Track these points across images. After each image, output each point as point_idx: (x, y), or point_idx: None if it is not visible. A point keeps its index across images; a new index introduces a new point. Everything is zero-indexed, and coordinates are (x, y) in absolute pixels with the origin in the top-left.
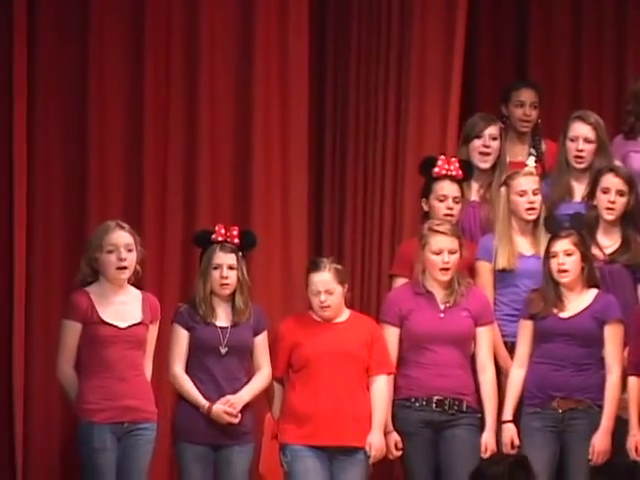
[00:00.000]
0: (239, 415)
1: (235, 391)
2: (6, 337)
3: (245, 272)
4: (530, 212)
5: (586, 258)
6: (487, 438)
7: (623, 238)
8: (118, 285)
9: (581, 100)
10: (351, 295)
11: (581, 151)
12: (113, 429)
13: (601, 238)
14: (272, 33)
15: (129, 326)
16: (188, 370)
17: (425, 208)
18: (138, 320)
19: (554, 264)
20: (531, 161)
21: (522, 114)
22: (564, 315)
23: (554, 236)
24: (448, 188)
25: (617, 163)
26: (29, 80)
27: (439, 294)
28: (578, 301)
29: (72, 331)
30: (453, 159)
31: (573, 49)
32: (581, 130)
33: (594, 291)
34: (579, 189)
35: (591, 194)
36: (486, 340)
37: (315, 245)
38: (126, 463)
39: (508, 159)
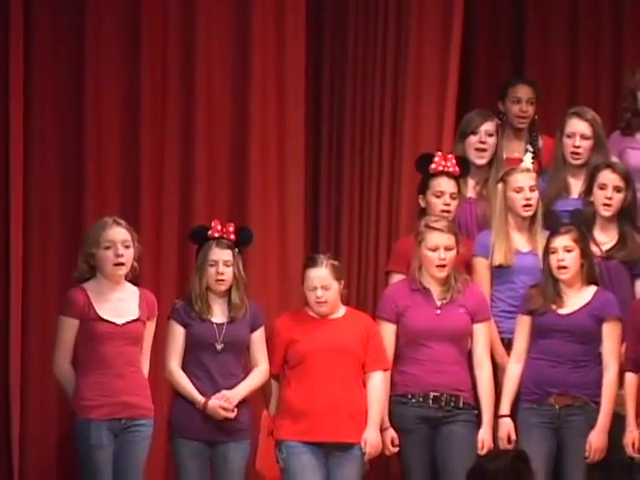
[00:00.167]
0: (235, 410)
1: (231, 387)
2: (3, 334)
3: (241, 268)
4: (527, 208)
5: (586, 254)
6: (484, 434)
7: (620, 234)
8: (115, 281)
9: (578, 96)
10: (347, 292)
11: (578, 147)
12: (110, 425)
13: (598, 234)
14: (269, 31)
15: (126, 323)
16: (184, 366)
17: (422, 204)
18: (135, 317)
19: (554, 260)
20: (528, 157)
21: (518, 110)
22: (563, 312)
23: (554, 232)
24: (445, 184)
25: (614, 159)
26: (25, 79)
27: (435, 290)
28: (577, 298)
29: (69, 327)
30: (450, 155)
31: (570, 46)
32: (578, 126)
33: (593, 288)
34: (576, 185)
35: (588, 190)
36: (483, 336)
37: (312, 242)
38: (123, 459)
39: (505, 155)
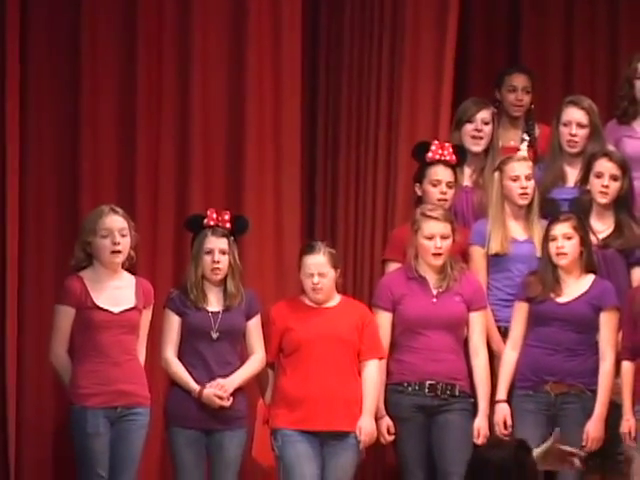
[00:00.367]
0: (230, 398)
1: (227, 376)
2: None
3: (236, 257)
4: (523, 197)
5: (585, 243)
6: (480, 423)
7: (616, 223)
8: (112, 270)
9: (574, 85)
10: (343, 280)
11: (574, 136)
12: (106, 414)
13: (594, 223)
14: (264, 25)
15: (123, 311)
16: (180, 355)
17: (418, 193)
18: (132, 305)
19: (553, 248)
20: (523, 146)
21: (514, 99)
22: (561, 300)
23: (554, 220)
24: (442, 173)
25: (610, 148)
26: (22, 79)
27: (432, 279)
28: (575, 286)
29: (66, 316)
30: (447, 144)
31: (566, 34)
32: (574, 115)
33: (591, 277)
34: (572, 174)
35: (584, 179)
36: (479, 325)
37: (308, 230)
38: (119, 448)
39: (501, 144)
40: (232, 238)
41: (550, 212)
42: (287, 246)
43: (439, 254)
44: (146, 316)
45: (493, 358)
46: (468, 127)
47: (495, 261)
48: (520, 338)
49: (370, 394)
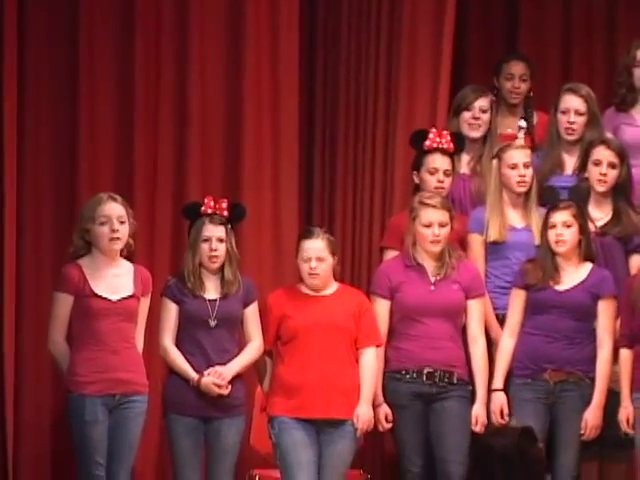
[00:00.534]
0: (229, 386)
1: (225, 363)
2: None
3: (234, 244)
4: (521, 185)
5: (584, 231)
6: (478, 410)
7: (614, 210)
8: (110, 257)
9: (572, 73)
10: (341, 268)
11: (572, 123)
12: (104, 401)
13: (592, 210)
14: (262, 17)
15: (121, 299)
16: (178, 343)
17: (416, 181)
18: (130, 293)
19: (552, 235)
20: (521, 133)
21: (511, 86)
22: (560, 288)
23: (553, 207)
24: (439, 161)
25: (608, 135)
26: (19, 79)
27: (430, 267)
28: (574, 274)
29: (64, 303)
30: (444, 132)
31: (564, 21)
32: (572, 102)
33: (589, 265)
34: (570, 162)
35: (582, 166)
36: (477, 312)
37: (306, 218)
38: (117, 435)
39: (498, 131)
40: (229, 226)
41: (549, 200)
42: (285, 235)
43: (437, 242)
44: (144, 304)
45: (491, 345)
46: (466, 115)
47: (493, 249)
48: (517, 326)
49: (367, 381)
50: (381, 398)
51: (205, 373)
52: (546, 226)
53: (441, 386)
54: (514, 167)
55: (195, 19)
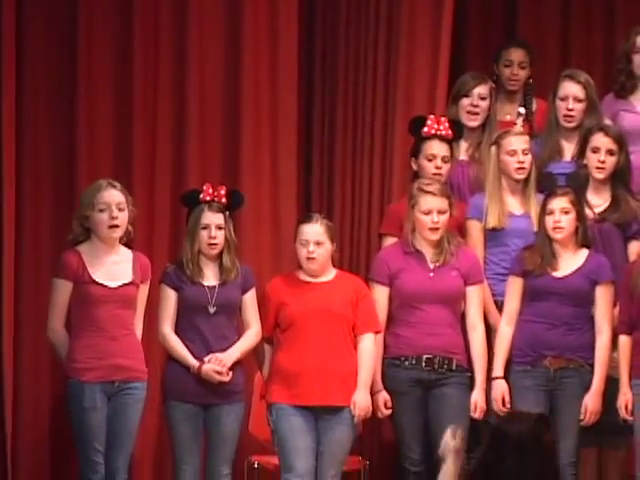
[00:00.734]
0: (230, 373)
1: (224, 350)
2: None
3: (232, 231)
4: (520, 171)
5: (581, 218)
6: (477, 396)
7: (613, 197)
8: (110, 244)
9: (570, 59)
10: (340, 255)
11: (571, 110)
12: (103, 388)
13: (591, 197)
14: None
15: (120, 286)
16: (178, 330)
17: (414, 167)
18: (129, 280)
19: (550, 222)
20: (519, 120)
21: (510, 73)
22: (557, 274)
23: (551, 194)
24: (437, 147)
25: (607, 122)
26: (18, 79)
27: (429, 253)
28: (571, 261)
29: (63, 290)
30: (443, 119)
31: (562, 7)
32: (571, 89)
33: (585, 251)
34: (569, 148)
35: (581, 153)
36: (476, 299)
37: (304, 205)
38: (116, 422)
39: (498, 118)
40: (228, 213)
41: (547, 186)
42: (283, 222)
43: (436, 229)
44: (143, 291)
45: (490, 332)
46: (465, 102)
47: (492, 235)
48: (515, 313)
49: (365, 368)
50: (380, 385)
51: (205, 360)
52: (544, 212)
53: (440, 372)
54: (513, 154)
55: (193, 17)
